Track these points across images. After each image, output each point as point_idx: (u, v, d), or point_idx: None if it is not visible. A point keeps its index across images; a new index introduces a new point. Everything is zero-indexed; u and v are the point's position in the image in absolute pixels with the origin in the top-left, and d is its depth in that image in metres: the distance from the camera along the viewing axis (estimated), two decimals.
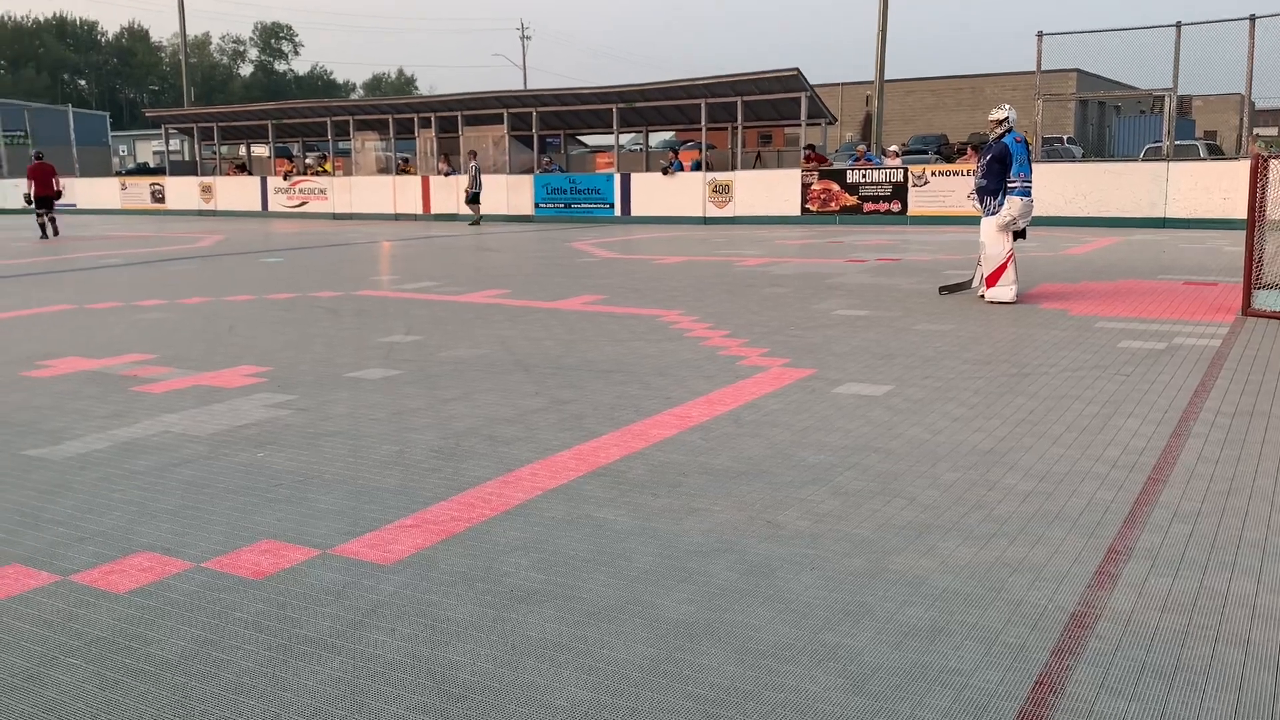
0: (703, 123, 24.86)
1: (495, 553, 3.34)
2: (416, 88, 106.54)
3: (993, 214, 9.11)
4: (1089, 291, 9.87)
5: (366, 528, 3.59)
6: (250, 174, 32.11)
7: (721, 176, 23.65)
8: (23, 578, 3.19)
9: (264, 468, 4.38)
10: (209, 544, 3.46)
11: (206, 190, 31.70)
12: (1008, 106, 9.24)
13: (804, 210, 22.60)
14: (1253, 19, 18.50)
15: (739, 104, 24.07)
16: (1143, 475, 4.08)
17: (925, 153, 33.47)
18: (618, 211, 24.87)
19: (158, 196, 32.73)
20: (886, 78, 28.44)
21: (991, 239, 9.10)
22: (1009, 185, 8.98)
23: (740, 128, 24.74)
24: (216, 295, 10.79)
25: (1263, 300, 8.35)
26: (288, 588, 3.08)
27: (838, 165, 23.40)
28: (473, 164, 24.14)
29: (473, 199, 23.80)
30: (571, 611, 2.88)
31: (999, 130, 9.09)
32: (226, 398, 5.78)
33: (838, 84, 56.42)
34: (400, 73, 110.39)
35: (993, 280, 9.13)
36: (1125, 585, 3.00)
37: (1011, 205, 8.93)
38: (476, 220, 23.66)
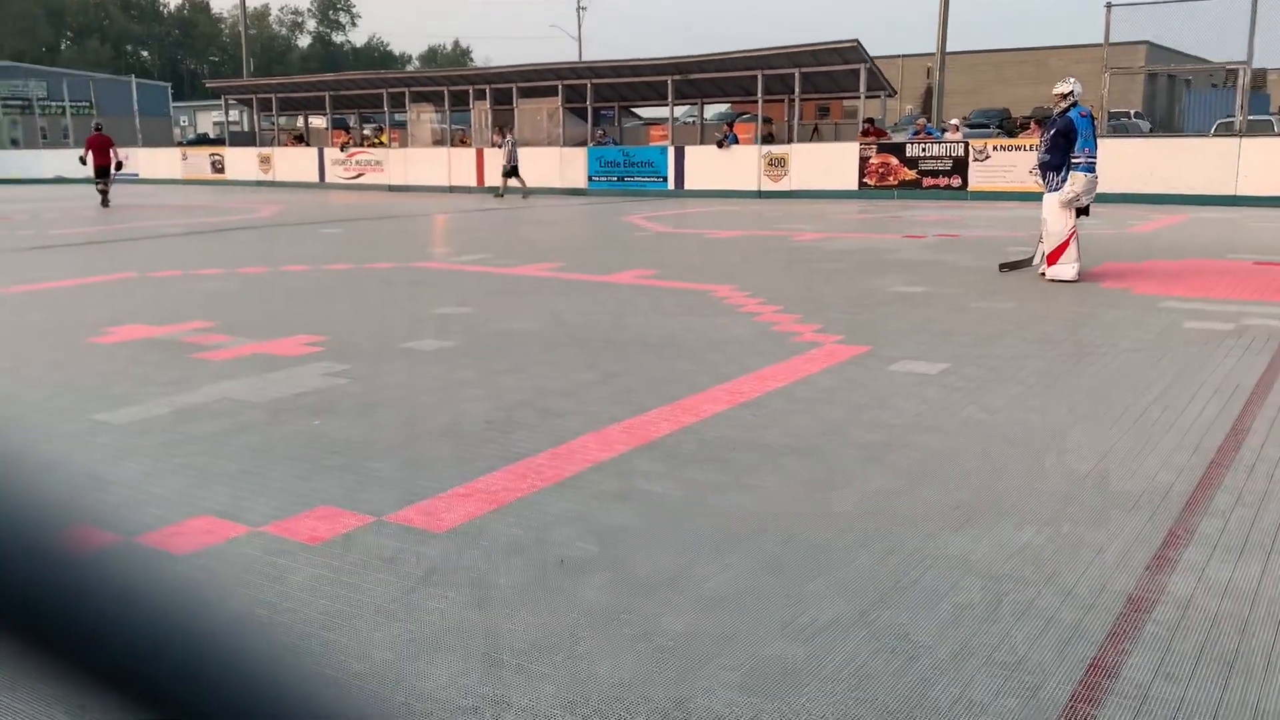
0: (759, 95, 24.60)
1: (546, 523, 3.37)
2: (472, 59, 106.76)
3: (1055, 190, 8.91)
4: (1154, 270, 9.63)
5: (420, 496, 3.64)
6: (308, 145, 32.46)
7: (777, 150, 23.40)
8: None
9: (321, 435, 4.45)
10: (267, 509, 3.53)
11: (265, 161, 32.11)
12: (1073, 80, 9.00)
13: (861, 184, 22.28)
14: None
15: (796, 76, 23.77)
16: (1205, 459, 3.99)
17: (987, 126, 32.85)
18: (671, 185, 24.75)
19: (217, 167, 33.23)
20: (948, 50, 27.90)
21: (1054, 215, 8.91)
22: (1073, 160, 8.78)
23: (797, 100, 24.44)
24: (274, 265, 10.95)
25: None
26: (342, 553, 3.14)
27: (897, 139, 23.04)
28: (509, 138, 24.17)
29: (511, 172, 23.84)
30: (621, 583, 2.90)
31: (1063, 104, 8.88)
32: (285, 366, 5.88)
33: (898, 56, 55.45)
34: (456, 44, 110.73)
35: (1054, 258, 8.95)
36: (1185, 570, 2.94)
37: (1075, 181, 8.74)
38: (526, 193, 23.69)
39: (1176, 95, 47.16)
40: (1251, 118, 20.91)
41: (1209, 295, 8.09)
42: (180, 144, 39.39)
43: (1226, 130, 18.67)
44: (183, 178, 33.69)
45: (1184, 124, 41.21)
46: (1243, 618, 2.65)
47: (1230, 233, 13.24)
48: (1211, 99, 38.31)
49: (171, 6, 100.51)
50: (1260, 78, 34.52)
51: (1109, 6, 19.74)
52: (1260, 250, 11.19)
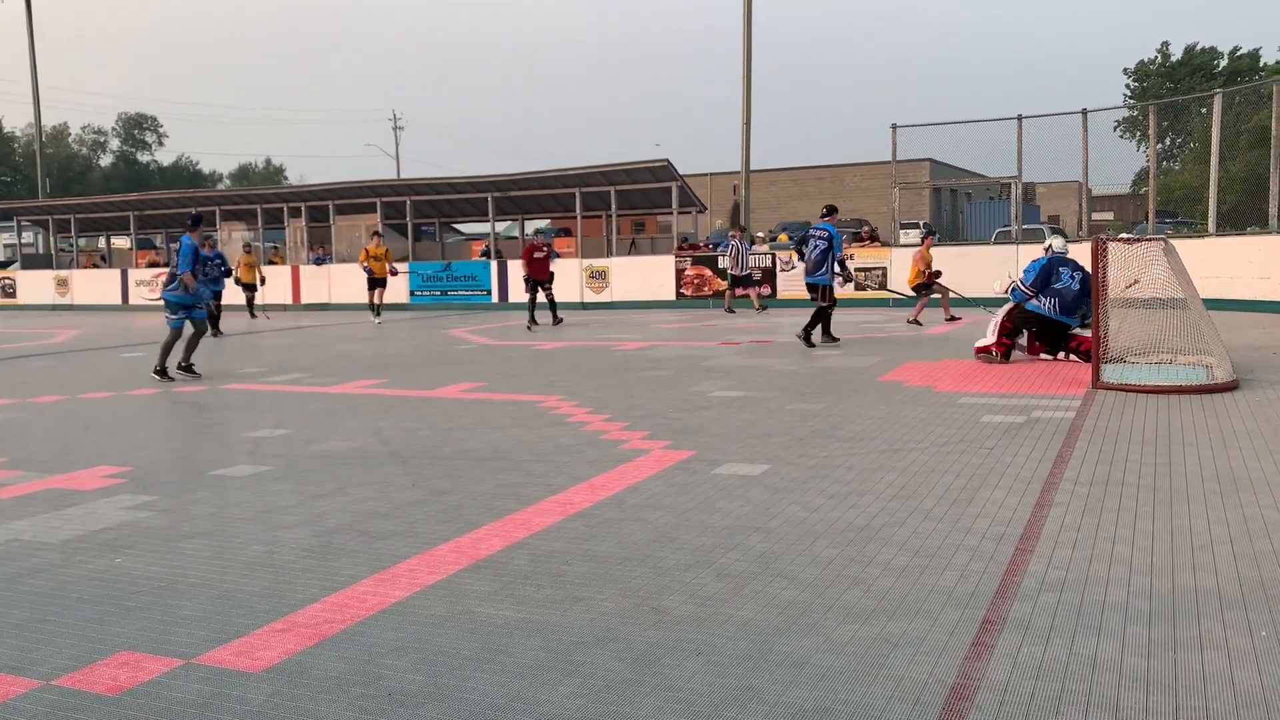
0: (578, 211, 25.22)
1: (372, 654, 3.22)
2: (286, 177, 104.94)
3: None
4: (951, 368, 10.28)
5: (233, 634, 3.42)
6: (110, 266, 30.97)
7: (598, 263, 23.95)
8: None
9: (121, 574, 4.14)
10: (60, 659, 3.23)
11: (62, 284, 30.41)
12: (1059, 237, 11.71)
13: (679, 295, 23.04)
14: (1084, 113, 19.97)
15: (612, 193, 24.54)
16: (1011, 546, 4.22)
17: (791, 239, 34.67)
18: (496, 298, 24.85)
19: (8, 291, 31.23)
20: (752, 168, 29.47)
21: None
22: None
23: (614, 216, 25.19)
24: (72, 393, 10.27)
25: (1110, 374, 8.84)
26: (147, 703, 2.89)
27: (708, 253, 24.04)
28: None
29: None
30: (454, 713, 2.79)
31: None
32: (81, 501, 5.47)
33: (706, 174, 58.23)
34: (268, 162, 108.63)
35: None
36: (1001, 655, 3.08)
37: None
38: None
39: (959, 206, 51.26)
40: (1026, 226, 22.88)
41: (1002, 390, 8.69)
42: None
43: (1005, 238, 20.39)
44: None
45: (967, 233, 44.76)
46: (1056, 698, 2.78)
47: None
48: (990, 210, 41.83)
49: None
50: (1030, 190, 37.97)
51: (895, 127, 21.46)
52: None
